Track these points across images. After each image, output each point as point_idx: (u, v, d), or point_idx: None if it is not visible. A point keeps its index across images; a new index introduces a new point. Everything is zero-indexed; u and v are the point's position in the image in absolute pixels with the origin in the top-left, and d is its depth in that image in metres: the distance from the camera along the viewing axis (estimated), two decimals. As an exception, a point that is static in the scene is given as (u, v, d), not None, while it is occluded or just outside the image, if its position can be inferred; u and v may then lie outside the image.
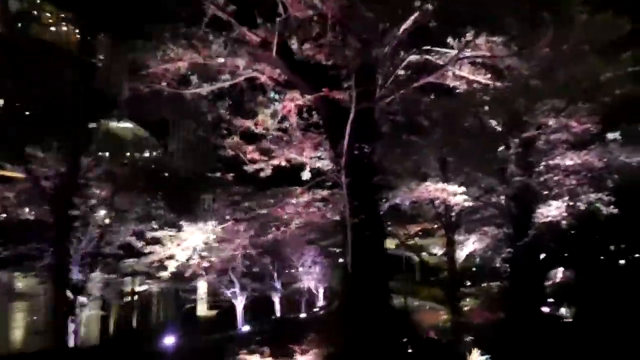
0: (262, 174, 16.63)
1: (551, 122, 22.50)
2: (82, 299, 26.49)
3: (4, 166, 23.66)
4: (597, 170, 23.61)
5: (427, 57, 15.41)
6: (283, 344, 17.23)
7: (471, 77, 15.15)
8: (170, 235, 13.59)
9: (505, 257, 28.97)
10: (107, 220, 26.59)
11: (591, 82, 18.65)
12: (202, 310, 46.22)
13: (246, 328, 34.42)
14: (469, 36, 14.87)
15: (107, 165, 26.20)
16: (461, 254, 29.83)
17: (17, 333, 30.77)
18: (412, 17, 14.61)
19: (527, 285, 25.09)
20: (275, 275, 38.27)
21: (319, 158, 17.06)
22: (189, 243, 13.64)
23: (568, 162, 23.28)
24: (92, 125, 29.54)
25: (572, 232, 28.29)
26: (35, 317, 31.74)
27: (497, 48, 15.07)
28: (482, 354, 14.65)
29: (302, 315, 39.20)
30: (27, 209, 25.04)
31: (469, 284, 37.27)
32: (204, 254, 13.86)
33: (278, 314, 39.33)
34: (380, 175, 14.32)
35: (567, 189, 24.48)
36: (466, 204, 19.05)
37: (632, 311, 20.56)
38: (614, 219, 24.68)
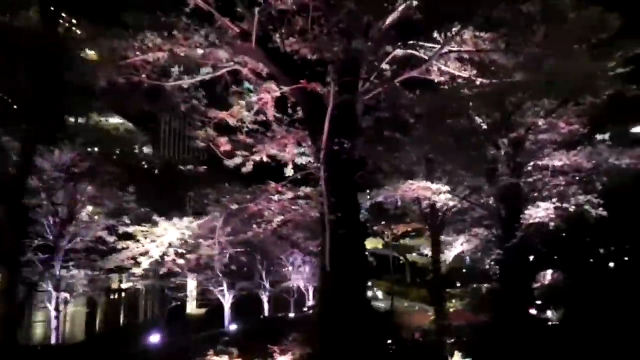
0: (243, 170, 16.07)
1: (540, 122, 22.09)
2: (64, 295, 25.99)
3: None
4: (586, 171, 23.18)
5: (413, 51, 14.92)
6: (263, 344, 16.75)
7: (457, 73, 14.66)
8: (143, 231, 13.02)
9: (494, 259, 28.58)
10: (84, 216, 26.15)
11: (580, 80, 18.14)
12: (192, 308, 45.73)
13: (233, 327, 33.95)
14: (455, 31, 14.40)
15: (92, 160, 25.68)
16: (449, 255, 29.36)
17: None
18: (397, 11, 14.14)
19: (515, 287, 24.62)
20: (264, 274, 37.78)
21: (303, 154, 16.51)
22: (163, 239, 13.09)
23: (556, 163, 22.84)
24: (84, 119, 29.07)
25: (562, 234, 27.92)
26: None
27: (483, 44, 14.60)
28: (463, 357, 14.17)
29: (291, 314, 38.68)
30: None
31: (459, 284, 36.92)
32: (180, 250, 13.31)
33: (266, 313, 38.84)
34: (361, 171, 13.78)
35: (555, 190, 24.06)
36: (451, 203, 18.58)
37: (620, 315, 20.11)
38: (604, 221, 24.27)
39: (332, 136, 12.73)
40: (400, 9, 14.14)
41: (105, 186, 26.05)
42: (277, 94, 13.68)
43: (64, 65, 17.46)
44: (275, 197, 15.96)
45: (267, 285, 38.43)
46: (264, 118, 14.41)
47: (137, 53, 14.00)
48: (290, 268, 39.08)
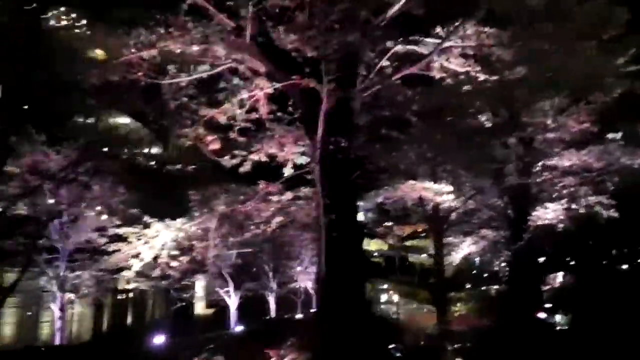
0: (241, 170, 15.61)
1: (549, 121, 21.41)
2: (68, 295, 25.76)
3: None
4: (597, 171, 22.44)
5: (414, 47, 14.36)
6: (260, 348, 16.27)
7: (460, 70, 14.07)
8: (134, 233, 12.62)
9: (503, 261, 27.90)
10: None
11: (588, 77, 17.45)
12: (200, 308, 45.45)
13: (239, 328, 33.60)
14: (457, 25, 13.83)
15: (97, 160, 25.41)
16: (456, 257, 28.63)
17: (7, 329, 29.98)
18: (398, 5, 13.59)
19: (523, 290, 23.96)
20: (271, 275, 37.31)
21: (303, 154, 16.00)
22: (155, 241, 12.68)
23: (566, 163, 22.13)
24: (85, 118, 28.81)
25: (573, 235, 27.15)
26: (29, 313, 31.08)
27: (487, 39, 14.00)
28: (465, 364, 13.60)
29: (298, 315, 38.18)
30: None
31: (468, 286, 36.12)
32: (173, 252, 12.90)
33: (273, 314, 38.38)
34: (358, 171, 13.24)
35: (566, 191, 23.39)
36: (455, 204, 17.97)
37: (632, 320, 19.28)
38: (616, 222, 23.55)
39: (327, 134, 12.23)
40: (400, 3, 13.59)
41: (110, 186, 25.74)
42: (270, 91, 13.20)
43: (54, 63, 17.08)
44: (275, 198, 15.49)
45: (274, 287, 37.97)
46: (263, 117, 13.90)
47: (133, 50, 13.62)
48: (298, 269, 38.58)
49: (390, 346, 17.42)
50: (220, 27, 13.59)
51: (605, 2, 15.62)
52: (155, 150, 43.21)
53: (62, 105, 21.96)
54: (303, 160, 16.08)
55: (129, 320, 38.59)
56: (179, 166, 31.90)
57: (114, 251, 12.73)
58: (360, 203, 27.92)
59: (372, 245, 35.27)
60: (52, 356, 23.58)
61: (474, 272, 37.71)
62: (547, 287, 29.86)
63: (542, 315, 24.37)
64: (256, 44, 12.78)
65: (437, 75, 14.52)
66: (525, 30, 14.94)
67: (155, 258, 12.68)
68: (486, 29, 14.14)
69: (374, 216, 31.29)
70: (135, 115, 31.58)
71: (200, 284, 40.33)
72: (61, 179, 24.07)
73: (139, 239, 12.53)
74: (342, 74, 13.27)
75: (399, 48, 14.42)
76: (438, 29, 14.52)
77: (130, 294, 37.74)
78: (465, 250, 28.70)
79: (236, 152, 15.34)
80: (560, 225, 22.30)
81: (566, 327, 22.78)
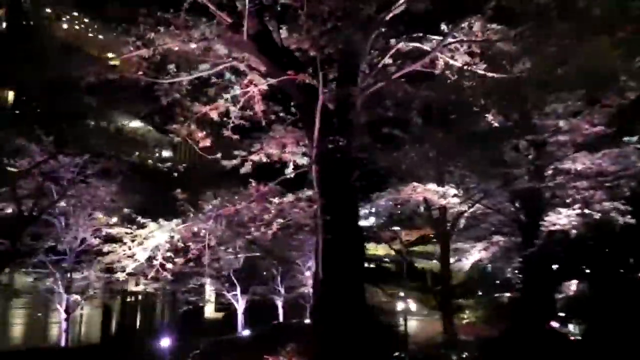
0: (242, 170, 15.11)
1: (561, 123, 20.62)
2: (74, 297, 25.52)
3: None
4: (612, 176, 21.53)
5: (418, 44, 13.74)
6: (260, 354, 15.74)
7: (466, 67, 13.42)
8: (128, 233, 12.19)
9: (515, 268, 27.05)
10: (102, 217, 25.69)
11: (602, 76, 16.68)
12: (210, 311, 45.14)
13: (246, 332, 33.18)
14: (464, 22, 13.20)
15: (105, 162, 25.22)
16: (466, 263, 27.79)
17: (17, 330, 29.95)
18: (402, 1, 13.03)
19: (534, 298, 23.12)
20: (279, 279, 36.81)
21: (304, 155, 15.45)
22: (150, 242, 12.23)
23: (579, 167, 21.27)
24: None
25: (588, 242, 26.17)
26: (39, 314, 31.04)
27: (494, 36, 13.33)
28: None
29: (306, 320, 37.61)
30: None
31: (480, 293, 35.15)
32: (169, 254, 12.45)
33: (281, 318, 37.86)
34: (358, 172, 12.66)
35: (580, 196, 22.51)
36: (462, 208, 17.25)
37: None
38: (634, 229, 22.56)
39: (325, 133, 11.68)
40: (404, -1, 13.03)
41: (117, 188, 25.53)
42: (264, 87, 12.69)
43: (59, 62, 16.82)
44: (275, 200, 14.95)
45: (282, 291, 37.44)
46: (257, 114, 13.37)
47: (132, 48, 13.24)
48: (307, 273, 38.00)
49: (395, 354, 16.77)
50: (219, 25, 13.19)
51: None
52: (167, 153, 43.23)
53: (71, 107, 21.72)
54: (305, 161, 15.53)
55: (138, 322, 38.47)
56: (169, 164, 31.54)
57: (108, 252, 12.31)
58: (367, 207, 27.58)
59: (379, 250, 34.55)
60: (55, 358, 23.37)
61: (486, 279, 36.70)
62: (561, 296, 28.84)
63: (555, 324, 23.47)
64: (253, 40, 12.28)
65: (441, 73, 13.88)
66: (535, 26, 14.26)
67: (150, 259, 12.26)
68: (493, 25, 13.45)
69: (381, 220, 30.57)
70: (146, 119, 31.42)
71: (210, 288, 40.05)
72: (69, 181, 23.95)
73: (133, 240, 12.10)
74: (342, 71, 12.75)
75: (403, 45, 13.81)
76: (444, 26, 13.88)
77: (139, 297, 37.59)
78: (475, 256, 27.86)
79: (236, 152, 14.85)
80: (574, 232, 21.40)
81: (580, 338, 21.79)
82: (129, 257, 11.81)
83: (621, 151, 21.02)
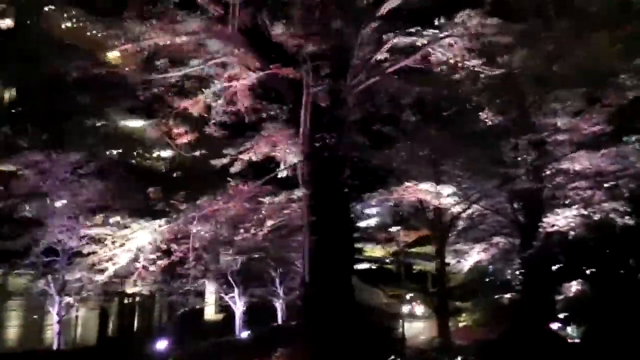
0: (231, 170, 14.68)
1: (559, 122, 20.11)
2: (68, 299, 24.99)
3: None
4: (611, 176, 21.02)
5: (413, 39, 13.27)
6: (255, 356, 15.29)
7: (461, 63, 12.93)
8: (108, 234, 11.72)
9: (515, 269, 26.53)
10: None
11: (602, 74, 16.20)
12: (210, 313, 44.58)
13: (245, 334, 32.66)
14: (460, 17, 12.76)
15: (100, 162, 24.71)
16: (465, 265, 27.18)
17: (11, 332, 29.44)
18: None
19: (534, 300, 22.60)
20: (278, 280, 36.26)
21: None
22: (131, 243, 11.76)
23: (578, 167, 20.75)
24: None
25: (589, 242, 25.64)
26: (35, 316, 30.53)
27: (491, 30, 12.88)
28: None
29: (305, 322, 37.02)
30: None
31: (479, 295, 34.53)
32: (151, 256, 11.96)
33: (280, 320, 37.30)
34: (349, 171, 12.17)
35: (579, 197, 22.02)
36: (457, 208, 16.72)
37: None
38: (635, 230, 22.05)
39: (313, 131, 11.22)
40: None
41: (112, 188, 24.94)
42: (248, 82, 12.23)
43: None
44: (267, 200, 14.49)
45: (281, 293, 36.89)
46: (242, 110, 12.91)
47: (118, 43, 12.83)
48: (306, 275, 37.44)
49: (390, 359, 16.27)
50: (209, 19, 12.78)
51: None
52: (166, 153, 42.62)
53: (62, 105, 21.26)
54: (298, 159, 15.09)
55: (136, 324, 37.90)
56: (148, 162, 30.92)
57: (89, 254, 11.86)
58: (370, 207, 27.00)
59: (376, 251, 34.00)
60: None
61: (485, 280, 36.12)
62: (561, 297, 28.24)
63: (555, 326, 22.89)
64: (243, 34, 11.83)
65: (436, 68, 13.41)
66: (534, 23, 13.84)
67: (134, 261, 11.80)
68: (489, 21, 13.00)
69: (384, 221, 30.05)
70: (142, 116, 30.82)
71: (209, 289, 39.52)
72: (62, 180, 23.44)
73: (113, 242, 11.64)
74: (334, 66, 12.31)
75: (398, 40, 13.37)
76: (440, 20, 13.44)
77: (137, 298, 37.05)
78: (474, 258, 27.26)
79: (225, 151, 14.41)
80: (572, 233, 20.90)
81: (579, 340, 21.18)
82: (109, 259, 11.33)
83: (620, 151, 20.52)
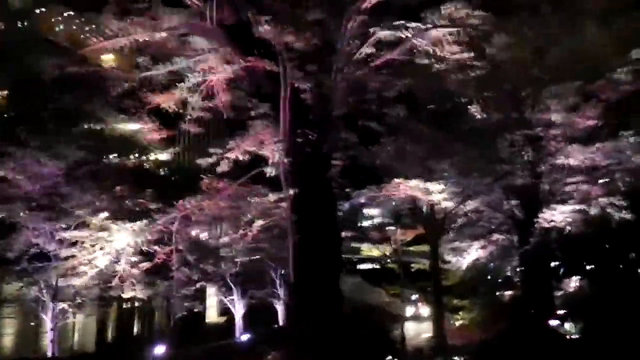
0: (218, 169, 14.21)
1: (555, 117, 19.66)
2: (62, 305, 24.51)
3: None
4: (607, 171, 20.59)
5: (400, 33, 12.83)
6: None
7: (449, 56, 12.48)
8: (87, 236, 11.29)
9: (514, 266, 26.10)
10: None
11: (595, 67, 15.74)
12: (212, 316, 44.10)
13: (245, 337, 32.17)
14: (446, 8, 12.33)
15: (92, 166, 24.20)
16: (463, 262, 26.64)
17: (6, 340, 29.04)
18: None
19: (532, 297, 22.14)
20: (278, 282, 35.77)
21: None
22: (111, 246, 11.33)
23: (573, 162, 20.29)
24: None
25: (588, 238, 25.16)
26: (32, 323, 30.11)
27: (478, 22, 12.44)
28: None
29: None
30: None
31: (477, 293, 34.01)
32: (134, 259, 11.52)
33: (281, 322, 36.81)
34: (340, 168, 11.71)
35: (576, 192, 21.61)
36: (450, 204, 16.26)
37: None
38: (634, 224, 21.60)
39: (296, 126, 10.79)
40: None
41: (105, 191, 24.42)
42: (223, 75, 11.78)
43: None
44: (255, 200, 14.05)
45: (282, 294, 36.38)
46: (220, 105, 12.46)
47: (97, 40, 12.42)
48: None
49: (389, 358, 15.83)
50: (188, 13, 12.37)
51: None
52: (164, 156, 42.13)
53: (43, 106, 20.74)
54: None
55: (136, 329, 37.48)
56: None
57: (67, 257, 11.43)
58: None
59: (373, 251, 33.53)
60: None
61: (484, 278, 35.61)
62: (561, 293, 27.73)
63: (554, 322, 22.35)
64: (222, 28, 11.41)
65: (423, 61, 12.94)
66: (523, 15, 13.40)
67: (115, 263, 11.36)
68: (476, 12, 12.55)
69: (378, 221, 29.56)
70: (135, 117, 30.28)
71: (211, 291, 39.04)
72: (53, 185, 22.98)
73: (93, 245, 11.22)
74: (316, 61, 11.88)
75: (385, 34, 12.92)
76: (428, 14, 12.99)
77: (137, 303, 36.60)
78: (472, 255, 26.76)
79: (211, 150, 13.97)
80: (568, 228, 20.47)
81: (577, 336, 20.63)
82: (88, 262, 10.89)
83: (616, 145, 20.04)
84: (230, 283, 32.16)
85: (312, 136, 10.66)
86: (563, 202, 21.19)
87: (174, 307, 33.81)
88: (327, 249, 11.10)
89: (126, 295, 29.74)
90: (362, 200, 15.75)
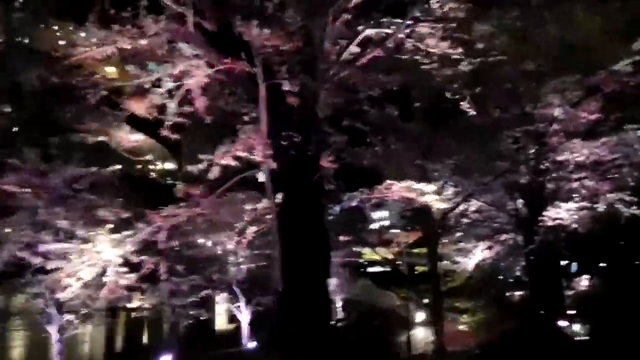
0: (209, 176, 13.80)
1: (558, 111, 19.07)
2: (68, 316, 24.28)
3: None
4: (613, 165, 19.92)
5: (387, 30, 12.40)
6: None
7: (437, 51, 12.01)
8: (69, 248, 10.96)
9: (522, 266, 25.44)
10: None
11: (595, 58, 15.15)
12: (222, 324, 43.78)
13: (252, 344, 31.82)
14: (435, 2, 11.88)
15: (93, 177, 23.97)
16: (469, 263, 26.04)
17: (15, 352, 28.88)
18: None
19: (540, 297, 21.48)
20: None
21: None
22: (97, 257, 11.00)
23: (579, 157, 19.64)
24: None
25: (599, 236, 24.40)
26: (43, 335, 29.95)
27: (466, 15, 11.96)
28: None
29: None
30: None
31: (483, 295, 33.26)
32: (120, 269, 11.19)
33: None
34: (322, 171, 11.27)
35: (582, 188, 20.94)
36: (447, 205, 15.72)
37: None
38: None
39: (277, 129, 10.38)
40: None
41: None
42: (203, 79, 11.38)
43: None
44: (249, 207, 13.65)
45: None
46: (198, 111, 12.05)
47: (82, 49, 12.13)
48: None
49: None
50: (170, 18, 12.02)
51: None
52: (169, 165, 41.97)
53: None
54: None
55: (145, 338, 37.17)
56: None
57: (51, 270, 11.10)
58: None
59: (377, 254, 32.96)
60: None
61: (494, 278, 34.86)
62: (571, 292, 26.97)
63: (563, 323, 21.63)
64: (200, 30, 11.05)
65: (412, 57, 12.49)
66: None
67: (102, 275, 11.03)
68: (464, 6, 12.07)
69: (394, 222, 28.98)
70: (148, 131, 30.02)
71: (220, 299, 38.76)
72: (52, 196, 22.77)
73: (79, 257, 10.89)
74: (301, 61, 11.47)
75: (370, 32, 12.49)
76: (415, 9, 12.53)
77: (145, 312, 36.38)
78: (478, 256, 26.15)
79: (201, 156, 13.56)
80: (575, 226, 19.79)
81: (586, 338, 19.87)
82: (73, 274, 10.54)
83: (621, 139, 19.36)
84: (236, 290, 31.88)
85: (296, 138, 10.25)
86: (568, 199, 20.55)
87: (180, 315, 33.62)
88: (314, 254, 10.65)
89: (136, 304, 29.68)
90: (354, 203, 15.32)
